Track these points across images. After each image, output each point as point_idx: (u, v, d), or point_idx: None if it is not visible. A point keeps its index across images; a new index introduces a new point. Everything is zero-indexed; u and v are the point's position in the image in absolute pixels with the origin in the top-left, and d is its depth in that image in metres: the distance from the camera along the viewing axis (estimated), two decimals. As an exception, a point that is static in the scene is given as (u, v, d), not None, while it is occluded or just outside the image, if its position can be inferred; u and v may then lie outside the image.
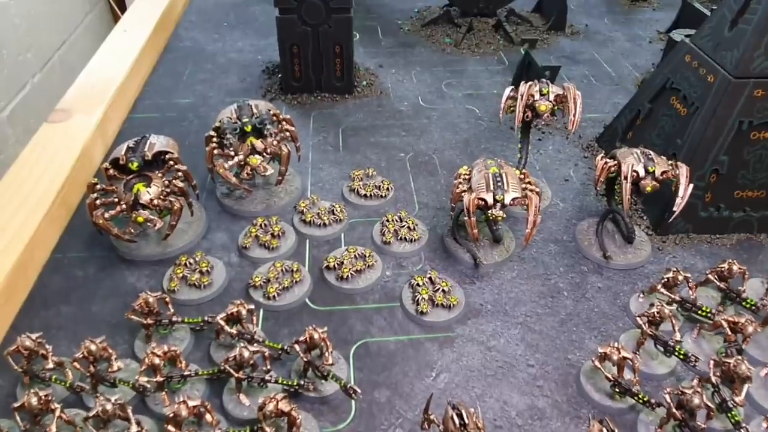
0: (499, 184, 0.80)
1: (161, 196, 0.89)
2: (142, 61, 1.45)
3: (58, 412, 0.63)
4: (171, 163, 0.92)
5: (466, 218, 0.80)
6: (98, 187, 0.89)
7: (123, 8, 2.64)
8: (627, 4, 1.94)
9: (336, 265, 0.89)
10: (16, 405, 0.63)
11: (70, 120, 1.19)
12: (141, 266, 0.93)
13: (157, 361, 0.67)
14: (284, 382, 0.70)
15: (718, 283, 0.82)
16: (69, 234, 0.99)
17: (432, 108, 1.35)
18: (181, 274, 0.87)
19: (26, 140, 1.89)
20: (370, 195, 1.05)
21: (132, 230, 0.89)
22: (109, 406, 0.61)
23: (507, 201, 0.80)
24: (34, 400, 0.61)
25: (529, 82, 0.92)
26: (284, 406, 0.62)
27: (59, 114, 1.22)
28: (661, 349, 0.74)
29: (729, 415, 0.67)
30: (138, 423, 0.62)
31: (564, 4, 1.71)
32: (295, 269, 0.88)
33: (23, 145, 1.86)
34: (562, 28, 1.72)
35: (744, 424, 0.67)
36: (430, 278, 0.87)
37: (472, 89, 1.43)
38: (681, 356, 0.72)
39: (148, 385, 0.67)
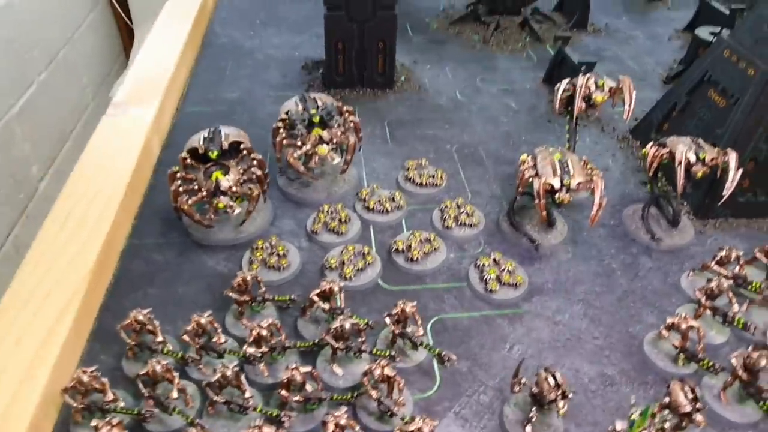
0: (566, 169, 0.86)
1: (239, 183, 0.93)
2: (184, 57, 1.49)
3: (177, 380, 0.68)
4: (245, 152, 0.97)
5: (536, 202, 0.86)
6: (179, 175, 0.94)
7: (124, 7, 2.68)
8: (643, 3, 2.01)
9: (404, 248, 0.95)
10: (141, 373, 0.67)
11: (128, 114, 1.24)
12: (217, 251, 0.97)
13: (264, 333, 0.72)
14: (378, 353, 0.75)
15: (765, 261, 0.88)
16: (141, 222, 1.04)
17: (470, 102, 1.41)
18: (260, 257, 0.92)
19: (33, 137, 1.93)
20: (425, 183, 1.10)
21: (212, 216, 0.94)
22: (228, 372, 0.66)
23: (573, 185, 0.86)
24: (158, 368, 0.66)
25: (586, 75, 0.97)
26: (389, 371, 0.68)
27: (115, 108, 1.26)
28: (720, 319, 0.80)
29: (788, 377, 0.73)
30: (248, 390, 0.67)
31: (587, 3, 1.77)
32: (366, 252, 0.94)
33: (31, 143, 1.91)
34: (584, 26, 1.79)
35: (802, 386, 0.73)
36: (494, 259, 0.93)
37: (506, 84, 1.49)
38: (740, 325, 0.79)
39: (258, 354, 0.72)
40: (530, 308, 0.89)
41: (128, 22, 2.67)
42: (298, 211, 1.06)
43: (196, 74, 1.50)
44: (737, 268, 0.88)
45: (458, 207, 1.03)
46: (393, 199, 1.05)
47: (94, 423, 0.61)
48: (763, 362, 0.69)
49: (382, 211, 1.03)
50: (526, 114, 1.37)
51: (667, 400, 0.66)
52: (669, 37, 1.77)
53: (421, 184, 1.10)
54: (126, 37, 2.72)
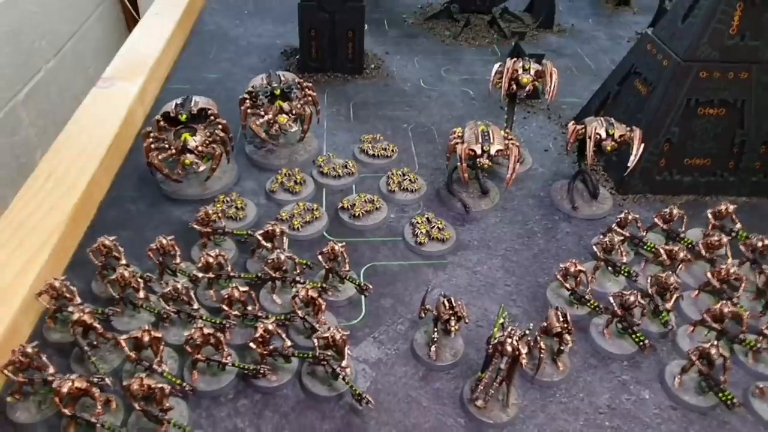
0: (487, 138, 0.99)
1: (205, 144, 1.06)
2: (172, 41, 1.63)
3: (142, 285, 0.80)
4: (212, 117, 1.10)
5: (458, 164, 0.98)
6: (152, 135, 1.07)
7: (133, 1, 2.82)
8: (611, 8, 2.13)
9: (349, 206, 1.07)
10: (110, 278, 0.80)
11: (114, 87, 1.37)
12: (184, 204, 1.10)
13: (211, 260, 0.84)
14: (311, 284, 0.87)
15: (661, 225, 1.00)
16: (120, 178, 1.17)
17: (432, 89, 1.54)
18: (220, 208, 1.04)
19: (39, 123, 2.06)
20: (378, 155, 1.23)
21: (179, 171, 1.06)
22: (179, 286, 0.78)
23: (492, 152, 0.98)
24: (126, 273, 0.79)
25: (513, 59, 1.10)
26: (313, 293, 0.80)
27: (104, 81, 1.39)
28: (611, 269, 0.92)
29: (660, 317, 0.85)
30: (197, 302, 0.80)
31: (552, 5, 1.90)
32: (314, 208, 1.06)
33: (36, 128, 2.04)
34: (550, 26, 1.91)
35: (672, 324, 0.85)
36: (427, 218, 1.05)
37: (467, 75, 1.62)
38: (626, 274, 0.91)
39: (200, 275, 0.84)
40: (454, 260, 1.01)
41: (136, 15, 2.81)
42: (261, 174, 1.19)
43: (182, 57, 1.64)
44: (639, 231, 1.00)
45: (403, 175, 1.15)
46: (346, 166, 1.17)
47: (70, 309, 0.73)
48: (632, 298, 0.81)
49: (335, 176, 1.15)
50: (482, 101, 1.49)
51: (544, 324, 0.79)
52: (628, 38, 1.89)
53: (374, 156, 1.23)
54: (133, 30, 2.85)
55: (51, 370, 0.71)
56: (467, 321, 0.81)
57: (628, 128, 1.04)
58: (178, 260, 0.87)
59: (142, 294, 0.80)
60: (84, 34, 2.44)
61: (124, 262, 0.86)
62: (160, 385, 0.67)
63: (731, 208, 1.00)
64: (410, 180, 1.14)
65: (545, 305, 0.93)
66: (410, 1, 2.08)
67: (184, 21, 1.75)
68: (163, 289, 0.80)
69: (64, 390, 0.66)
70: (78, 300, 0.79)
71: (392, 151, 1.24)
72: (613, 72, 1.31)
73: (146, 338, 0.72)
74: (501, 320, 0.77)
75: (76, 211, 1.01)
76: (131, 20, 2.84)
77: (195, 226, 0.93)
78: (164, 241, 0.86)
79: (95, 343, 0.77)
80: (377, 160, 1.22)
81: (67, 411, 0.67)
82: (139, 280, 0.81)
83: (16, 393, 0.72)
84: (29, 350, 0.70)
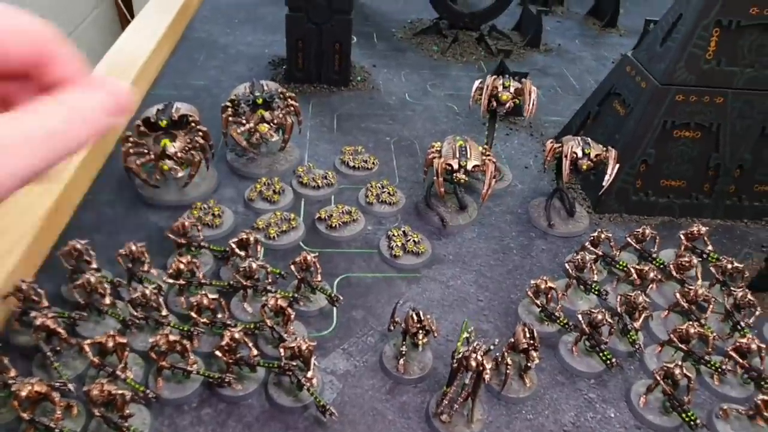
0: (464, 153, 0.99)
1: (184, 150, 1.06)
2: (161, 46, 1.63)
3: (109, 291, 0.80)
4: (193, 124, 1.10)
5: (434, 178, 0.99)
6: (131, 139, 1.06)
7: (128, 5, 2.82)
8: (598, 29, 2.17)
9: (326, 217, 1.07)
10: (76, 283, 0.80)
11: (99, 90, 1.37)
12: (161, 210, 1.10)
13: (182, 266, 0.84)
14: (283, 294, 0.87)
15: (634, 245, 1.01)
16: (98, 182, 1.16)
17: (417, 103, 1.55)
18: (197, 215, 1.04)
19: None
20: (358, 167, 1.23)
21: (157, 177, 1.06)
22: (147, 292, 0.78)
23: (469, 167, 0.99)
24: (92, 279, 0.78)
25: (494, 76, 1.11)
26: (283, 302, 0.80)
27: (90, 84, 1.39)
28: (582, 287, 0.93)
29: (628, 335, 0.86)
30: (165, 309, 0.80)
31: (540, 25, 1.92)
32: (291, 218, 1.06)
33: None
34: (537, 45, 1.94)
35: (639, 344, 0.85)
36: (404, 231, 1.06)
37: (453, 90, 1.63)
38: (596, 292, 0.91)
39: (170, 281, 0.84)
40: (428, 273, 1.01)
41: (130, 19, 2.81)
42: (241, 182, 1.19)
43: (170, 62, 1.64)
44: (612, 250, 1.01)
45: (382, 187, 1.16)
46: (325, 177, 1.17)
47: (33, 314, 0.73)
48: (599, 316, 0.82)
49: (315, 186, 1.16)
50: (465, 116, 1.51)
51: (512, 340, 0.79)
52: (613, 60, 1.92)
53: (354, 167, 1.23)
54: (126, 33, 2.85)
55: (12, 373, 0.71)
56: (436, 335, 0.81)
57: (604, 148, 1.05)
58: (146, 267, 0.86)
59: (108, 300, 0.80)
60: (78, 36, 2.44)
61: (94, 266, 0.86)
62: (120, 392, 0.66)
63: (703, 230, 1.01)
64: (389, 193, 1.15)
65: (516, 321, 0.93)
66: (400, 15, 2.10)
67: (175, 26, 1.76)
68: (132, 295, 0.80)
69: (23, 393, 0.65)
70: (45, 303, 0.78)
71: (373, 163, 1.25)
72: (594, 92, 1.33)
73: (111, 344, 0.72)
74: (465, 334, 0.77)
75: (51, 213, 1.00)
76: (126, 23, 2.84)
77: (170, 236, 0.93)
78: (134, 248, 0.86)
79: (58, 348, 0.76)
80: (357, 172, 1.23)
81: (25, 415, 0.66)
82: (106, 285, 0.81)
83: (-25, 396, 0.71)
84: (-10, 353, 0.70)
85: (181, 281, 0.85)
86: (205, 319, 0.81)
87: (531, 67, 1.80)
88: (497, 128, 1.26)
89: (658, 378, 0.77)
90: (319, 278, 0.88)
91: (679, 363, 0.77)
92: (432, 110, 1.52)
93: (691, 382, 0.77)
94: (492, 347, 0.72)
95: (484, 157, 1.01)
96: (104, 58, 1.50)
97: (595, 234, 0.99)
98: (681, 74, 1.10)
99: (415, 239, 1.04)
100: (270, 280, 0.88)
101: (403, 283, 0.99)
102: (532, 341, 0.76)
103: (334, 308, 0.91)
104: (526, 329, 0.77)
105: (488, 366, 0.69)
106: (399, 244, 1.02)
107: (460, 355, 0.70)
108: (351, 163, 1.23)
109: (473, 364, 0.69)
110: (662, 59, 1.12)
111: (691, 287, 0.91)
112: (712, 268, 0.97)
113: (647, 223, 1.17)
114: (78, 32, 2.44)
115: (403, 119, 1.46)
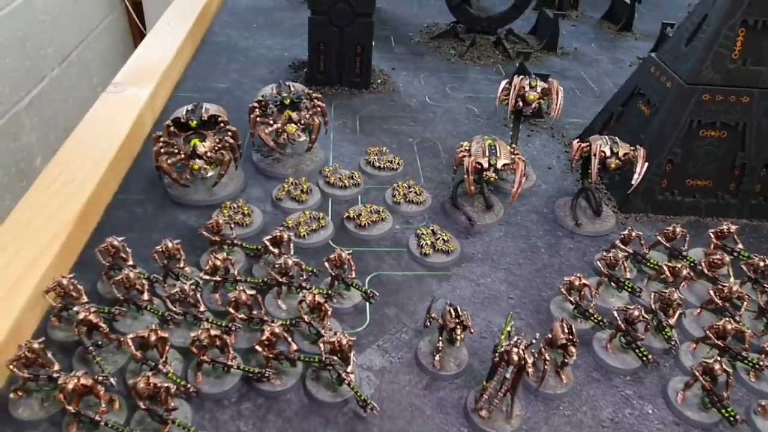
0: (494, 151, 1.00)
1: (214, 150, 1.07)
2: (183, 50, 1.65)
3: (147, 287, 0.81)
4: (222, 124, 1.11)
5: (465, 177, 0.99)
6: (162, 139, 1.08)
7: (140, 14, 2.85)
8: (613, 33, 2.17)
9: (355, 216, 1.08)
10: (116, 278, 0.80)
11: (125, 92, 1.38)
12: (190, 209, 1.11)
13: (218, 263, 0.85)
14: (318, 290, 0.87)
15: (665, 243, 1.01)
16: (128, 181, 1.17)
17: (437, 105, 1.56)
18: (227, 214, 1.05)
19: (41, 129, 2.08)
20: (383, 167, 1.24)
21: (187, 176, 1.07)
22: (186, 287, 0.79)
23: (499, 165, 0.99)
24: (131, 275, 0.79)
25: (521, 76, 1.12)
26: (320, 298, 0.80)
27: (115, 86, 1.40)
28: (614, 285, 0.93)
29: (663, 332, 0.86)
30: (203, 305, 0.80)
31: (556, 28, 1.93)
32: (321, 217, 1.07)
33: (38, 134, 2.04)
34: (554, 48, 1.95)
35: (675, 340, 0.85)
36: (432, 230, 1.06)
37: (472, 93, 1.64)
38: (629, 289, 0.91)
39: (207, 277, 0.84)
40: (458, 272, 1.01)
41: (142, 28, 2.84)
42: (268, 182, 1.19)
43: (192, 66, 1.66)
44: (642, 248, 1.01)
45: (408, 187, 1.16)
46: (352, 177, 1.18)
47: (76, 308, 0.73)
48: (636, 312, 0.82)
49: (341, 186, 1.16)
50: (486, 118, 1.51)
51: (549, 336, 0.79)
52: (630, 63, 1.93)
53: (379, 168, 1.24)
54: (139, 41, 2.89)
55: (56, 367, 0.71)
56: (473, 330, 0.81)
57: (632, 147, 1.06)
58: (182, 264, 0.87)
59: (146, 296, 0.80)
60: (90, 43, 2.46)
61: (131, 263, 0.86)
62: (165, 385, 0.67)
63: (733, 228, 1.01)
64: (416, 192, 1.15)
65: (548, 318, 0.93)
66: (416, 20, 2.12)
67: (195, 31, 1.77)
68: (170, 291, 0.80)
69: (70, 387, 0.65)
70: (84, 299, 0.79)
71: (398, 163, 1.25)
72: (617, 93, 1.33)
73: (153, 338, 0.72)
74: (508, 328, 0.77)
75: (83, 212, 1.01)
76: (138, 32, 2.87)
77: (204, 233, 0.94)
78: (170, 244, 0.86)
79: (99, 343, 0.77)
80: (383, 172, 1.24)
81: (71, 408, 0.66)
82: (144, 281, 0.81)
83: (19, 389, 0.72)
84: (36, 346, 0.70)
85: (217, 278, 0.86)
86: (242, 315, 0.81)
87: (549, 70, 1.80)
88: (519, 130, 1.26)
89: (697, 374, 0.77)
90: (353, 275, 0.89)
91: (718, 358, 0.77)
92: (453, 112, 1.53)
93: (730, 377, 0.76)
94: (533, 341, 0.72)
95: (513, 156, 1.02)
96: (128, 62, 1.51)
97: (626, 232, 0.99)
98: (707, 74, 1.10)
99: (444, 238, 1.04)
100: (304, 277, 0.88)
101: (433, 281, 0.99)
102: (571, 337, 0.76)
103: (368, 305, 0.92)
104: (564, 325, 0.77)
105: (530, 360, 0.69)
106: (428, 242, 1.03)
107: (502, 349, 0.71)
108: (376, 164, 1.24)
109: (515, 358, 0.69)
110: (688, 59, 1.12)
111: (724, 284, 0.90)
112: (743, 266, 0.97)
113: (673, 222, 1.17)
114: (90, 39, 2.47)
115: (425, 121, 1.47)
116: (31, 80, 1.99)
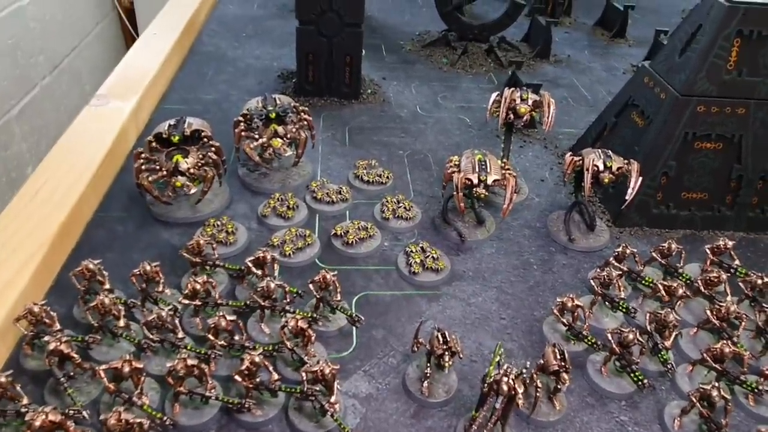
0: (484, 167, 0.97)
1: (197, 166, 1.04)
2: (170, 60, 1.62)
3: (123, 313, 0.77)
4: (205, 139, 1.08)
5: (454, 193, 0.97)
6: (143, 155, 1.04)
7: (132, 20, 2.82)
8: (606, 40, 2.16)
9: (342, 233, 1.05)
10: (91, 305, 0.77)
11: (108, 105, 1.35)
12: (173, 227, 1.08)
13: (198, 287, 0.82)
14: (302, 314, 0.84)
15: (660, 260, 0.98)
16: (109, 198, 1.14)
17: (428, 115, 1.53)
18: (210, 233, 1.02)
19: (31, 138, 2.04)
20: (372, 181, 1.21)
21: (169, 193, 1.04)
22: (163, 313, 0.75)
23: (489, 181, 0.96)
24: (107, 301, 0.76)
25: (512, 89, 1.09)
26: (303, 324, 0.77)
27: (98, 99, 1.37)
28: (608, 304, 0.90)
29: (659, 355, 0.83)
30: (182, 331, 0.77)
31: (549, 36, 1.91)
32: (307, 234, 1.04)
33: (28, 143, 2.01)
34: (547, 56, 1.93)
35: (671, 363, 0.83)
36: (422, 247, 1.03)
37: (464, 102, 1.62)
38: (624, 309, 0.89)
39: (186, 302, 0.81)
40: (448, 291, 0.98)
41: (135, 34, 2.81)
42: (254, 198, 1.16)
43: (179, 77, 1.63)
44: (636, 265, 0.98)
45: (398, 202, 1.14)
46: (339, 192, 1.15)
47: (46, 338, 0.70)
48: (630, 336, 0.79)
49: (329, 201, 1.13)
50: (478, 129, 1.49)
51: (541, 361, 0.76)
52: (624, 70, 1.91)
53: (368, 182, 1.21)
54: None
55: (25, 401, 0.68)
56: (461, 356, 0.78)
57: (626, 161, 1.03)
58: (161, 287, 0.84)
59: (122, 322, 0.77)
60: (82, 50, 2.43)
61: (107, 287, 0.83)
62: (138, 420, 0.64)
63: (730, 243, 0.99)
64: (405, 207, 1.12)
65: (541, 340, 0.90)
66: (407, 28, 2.09)
67: (183, 41, 1.74)
68: (146, 317, 0.77)
69: (37, 423, 0.62)
70: (57, 326, 0.76)
71: (387, 177, 1.22)
72: (610, 104, 1.31)
73: (126, 369, 0.69)
74: (497, 358, 0.74)
75: (61, 230, 0.98)
76: (130, 39, 2.84)
77: (185, 255, 0.91)
78: (148, 267, 0.83)
79: (72, 373, 0.73)
80: (372, 187, 1.21)
81: (38, 446, 0.63)
82: (121, 307, 0.78)
83: (-15, 425, 0.68)
84: (2, 380, 0.67)
85: (197, 302, 0.83)
86: (222, 342, 0.78)
87: (542, 78, 1.78)
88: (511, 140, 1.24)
89: (694, 400, 0.74)
90: (339, 297, 0.86)
91: (716, 384, 0.74)
92: (444, 123, 1.50)
93: (728, 404, 0.74)
94: (524, 371, 0.69)
95: (504, 171, 0.99)
96: (113, 74, 1.48)
97: (620, 249, 0.97)
98: (702, 85, 1.08)
99: (434, 255, 1.01)
100: (288, 300, 0.85)
101: (422, 301, 0.96)
102: (563, 363, 0.73)
103: (354, 328, 0.89)
104: (556, 350, 0.74)
105: (520, 390, 0.66)
106: (417, 260, 1.00)
107: (491, 379, 0.68)
108: (365, 178, 1.21)
109: (505, 388, 0.66)
110: (682, 70, 1.10)
111: (721, 304, 0.88)
112: (740, 284, 0.95)
113: (669, 236, 1.15)
114: (82, 47, 2.44)
115: (416, 132, 1.45)
116: (21, 89, 1.96)
